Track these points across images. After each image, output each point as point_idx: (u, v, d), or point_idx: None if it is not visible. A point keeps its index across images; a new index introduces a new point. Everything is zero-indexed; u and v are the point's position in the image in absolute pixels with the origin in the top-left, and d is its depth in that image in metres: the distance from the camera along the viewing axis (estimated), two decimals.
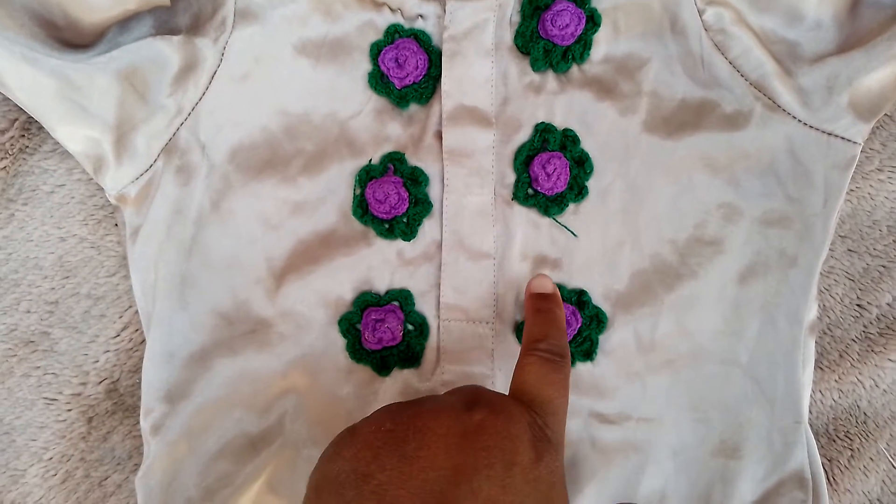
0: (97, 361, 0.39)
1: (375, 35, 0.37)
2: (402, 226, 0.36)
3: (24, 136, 0.38)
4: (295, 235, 0.36)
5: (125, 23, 0.35)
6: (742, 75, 0.36)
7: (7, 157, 0.38)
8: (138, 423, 0.37)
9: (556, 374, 0.29)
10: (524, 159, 0.36)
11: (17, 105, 0.37)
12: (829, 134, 0.35)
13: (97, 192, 0.39)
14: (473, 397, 0.27)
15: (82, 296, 0.39)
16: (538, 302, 0.32)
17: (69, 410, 0.39)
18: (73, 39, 0.34)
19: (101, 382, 0.39)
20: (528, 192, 0.36)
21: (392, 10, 0.37)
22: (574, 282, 0.36)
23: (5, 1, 0.32)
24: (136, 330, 0.39)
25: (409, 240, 0.36)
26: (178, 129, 0.36)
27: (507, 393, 0.29)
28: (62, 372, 0.39)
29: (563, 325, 0.32)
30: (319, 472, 0.26)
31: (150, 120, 0.36)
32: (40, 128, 0.38)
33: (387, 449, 0.25)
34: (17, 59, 0.32)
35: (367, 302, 0.36)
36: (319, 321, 0.36)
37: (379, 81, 0.36)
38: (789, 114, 0.35)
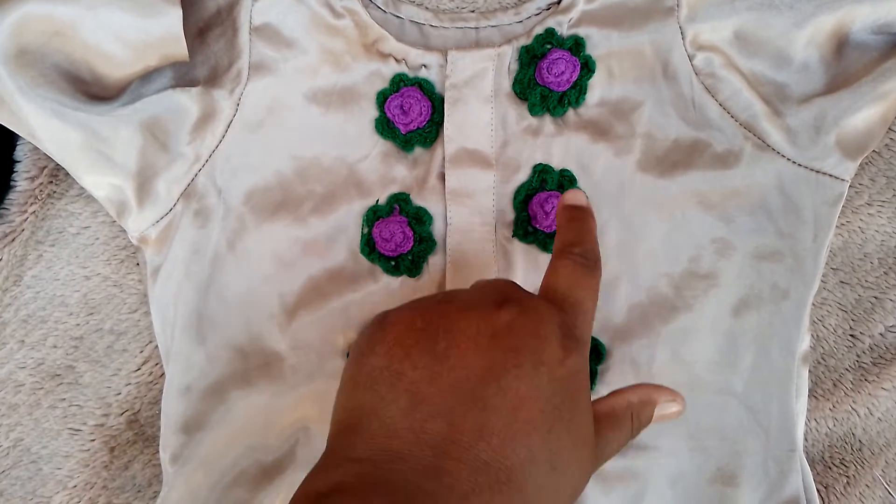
0: (119, 394, 0.41)
1: (382, 84, 0.39)
2: (407, 263, 0.38)
3: (52, 182, 0.41)
4: (306, 273, 0.38)
5: (146, 76, 0.37)
6: (732, 116, 0.37)
7: (37, 202, 0.40)
8: (158, 452, 0.39)
9: (588, 279, 0.29)
10: (523, 199, 0.38)
11: (45, 154, 0.39)
12: (818, 172, 0.36)
13: (120, 234, 0.41)
14: (503, 295, 0.27)
15: (105, 331, 0.41)
16: (572, 211, 0.32)
17: (92, 440, 0.40)
18: (99, 93, 0.36)
19: (122, 414, 0.41)
20: (527, 229, 0.38)
21: (397, 60, 0.39)
22: None
23: (38, 61, 0.34)
24: (157, 364, 0.41)
25: (413, 276, 0.38)
26: (196, 174, 0.38)
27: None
28: (86, 404, 0.41)
29: (596, 235, 0.32)
30: (355, 366, 0.27)
31: (170, 167, 0.38)
32: (67, 174, 0.40)
33: (418, 348, 0.26)
34: (48, 114, 0.34)
35: None
36: (329, 354, 0.38)
37: (385, 127, 0.38)
38: (778, 153, 0.37)
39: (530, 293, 0.28)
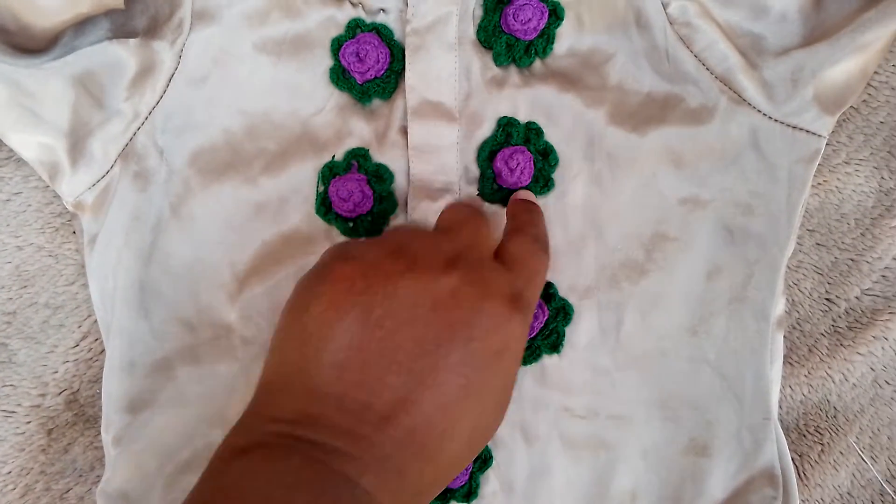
0: (56, 372, 0.38)
1: (337, 30, 0.36)
2: (366, 224, 0.35)
3: None
4: (258, 237, 0.36)
5: (80, 26, 0.34)
6: (707, 69, 0.35)
7: None
8: (100, 434, 0.36)
9: (542, 254, 0.31)
10: (487, 154, 0.36)
11: None
12: (794, 127, 0.35)
13: (54, 200, 0.38)
14: (456, 252, 0.28)
15: (40, 305, 0.38)
16: (524, 204, 0.34)
17: (28, 423, 0.38)
18: (26, 44, 0.33)
19: (60, 393, 0.38)
20: (493, 187, 0.36)
21: (353, 4, 0.36)
22: None
23: None
24: (96, 339, 0.38)
25: None
26: (135, 133, 0.36)
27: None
28: (21, 383, 0.38)
29: (546, 232, 0.33)
30: (289, 318, 0.27)
31: (105, 125, 0.35)
32: None
33: (353, 314, 0.26)
34: None
35: None
36: None
37: (340, 77, 0.36)
38: (754, 107, 0.35)
39: (483, 257, 0.29)
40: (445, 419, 0.25)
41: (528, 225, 0.32)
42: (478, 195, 0.36)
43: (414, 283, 0.26)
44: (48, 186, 0.38)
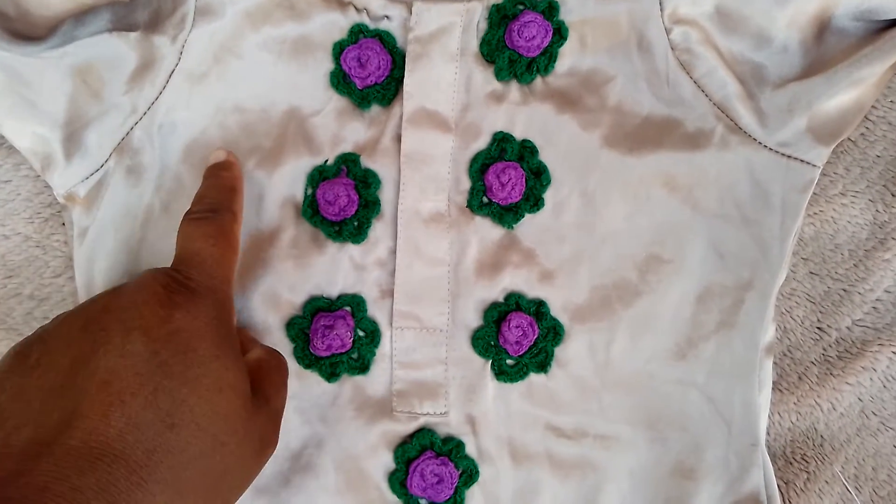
0: None
1: (340, 34, 0.36)
2: (351, 228, 0.35)
3: None
4: (245, 235, 0.35)
5: (81, 16, 0.34)
6: (706, 95, 0.35)
7: None
8: None
9: (206, 227, 0.31)
10: (480, 167, 0.36)
11: None
12: (788, 157, 0.35)
13: (44, 190, 0.38)
14: (107, 288, 0.30)
15: (25, 297, 0.38)
16: (208, 171, 0.34)
17: None
18: (25, 31, 0.33)
19: None
20: (482, 200, 0.36)
21: (357, 9, 0.36)
22: (533, 292, 0.35)
23: None
24: None
25: (358, 242, 0.35)
26: (132, 128, 0.35)
27: None
28: None
29: (230, 185, 0.33)
30: None
31: (103, 118, 0.35)
32: None
33: (10, 370, 0.26)
34: None
35: (317, 307, 0.35)
36: (268, 325, 0.35)
37: (341, 81, 0.36)
38: (749, 135, 0.35)
39: (143, 275, 0.29)
40: (125, 412, 0.24)
41: (195, 203, 0.32)
42: (467, 207, 0.36)
43: (65, 320, 0.27)
44: (38, 175, 0.37)
